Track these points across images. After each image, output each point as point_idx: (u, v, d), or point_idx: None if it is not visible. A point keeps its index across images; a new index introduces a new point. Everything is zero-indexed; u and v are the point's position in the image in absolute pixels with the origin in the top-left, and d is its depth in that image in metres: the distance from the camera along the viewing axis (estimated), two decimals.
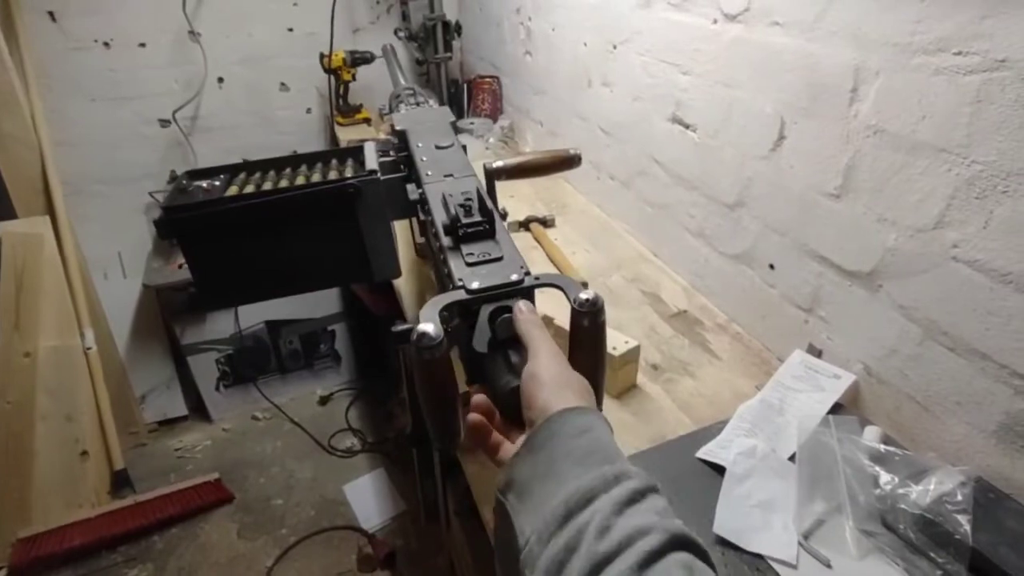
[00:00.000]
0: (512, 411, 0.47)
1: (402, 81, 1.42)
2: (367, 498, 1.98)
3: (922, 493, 0.65)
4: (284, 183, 0.90)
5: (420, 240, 1.16)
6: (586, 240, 1.38)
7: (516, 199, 1.56)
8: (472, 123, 1.96)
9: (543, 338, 0.47)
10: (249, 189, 0.88)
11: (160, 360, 2.27)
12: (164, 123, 2.10)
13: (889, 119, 0.73)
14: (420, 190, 0.74)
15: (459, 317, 0.52)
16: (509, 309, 0.51)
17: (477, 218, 0.59)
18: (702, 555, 0.33)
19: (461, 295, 0.51)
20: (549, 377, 0.44)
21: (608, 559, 0.32)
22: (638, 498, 0.35)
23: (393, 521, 1.90)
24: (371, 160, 0.91)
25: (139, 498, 1.87)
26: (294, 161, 0.95)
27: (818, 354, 0.90)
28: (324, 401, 2.42)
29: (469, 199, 0.63)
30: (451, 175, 0.75)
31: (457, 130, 1.94)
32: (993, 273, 0.65)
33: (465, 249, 0.57)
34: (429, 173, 0.76)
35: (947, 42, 0.65)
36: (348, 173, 0.92)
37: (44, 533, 1.71)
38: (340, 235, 0.85)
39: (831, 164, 0.82)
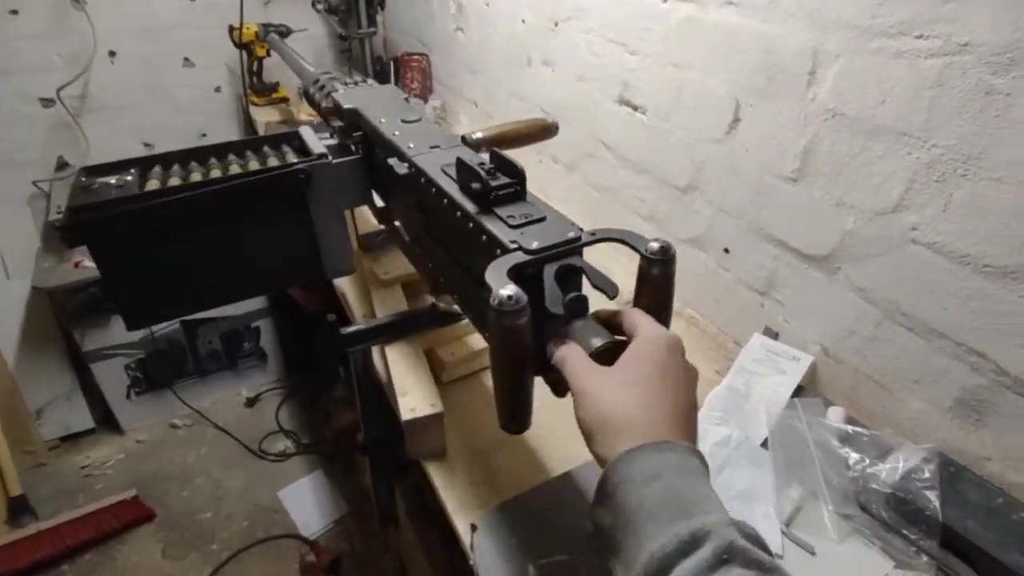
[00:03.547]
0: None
1: (310, 69, 1.29)
2: (306, 503, 1.88)
3: (891, 471, 0.67)
4: (216, 171, 0.79)
5: (375, 228, 1.07)
6: None
7: None
8: None
9: (643, 331, 0.43)
10: (174, 182, 0.77)
11: (58, 369, 2.03)
12: (47, 102, 1.85)
13: (848, 102, 0.73)
14: (405, 163, 0.67)
15: (516, 274, 0.46)
16: (574, 268, 0.46)
17: (506, 179, 0.54)
18: None
19: (521, 257, 0.46)
20: (613, 399, 0.40)
21: None
22: (719, 563, 0.31)
23: (336, 525, 1.81)
24: (314, 144, 0.82)
25: (42, 525, 1.68)
26: (219, 150, 0.84)
27: (775, 336, 0.91)
28: (251, 403, 2.26)
29: (482, 163, 0.57)
30: (437, 146, 0.68)
31: None
32: (952, 255, 0.66)
33: (503, 212, 0.51)
34: (411, 145, 0.68)
35: (908, 25, 0.65)
36: (290, 158, 0.83)
37: None
38: (289, 229, 0.76)
39: (788, 147, 0.82)
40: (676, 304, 1.08)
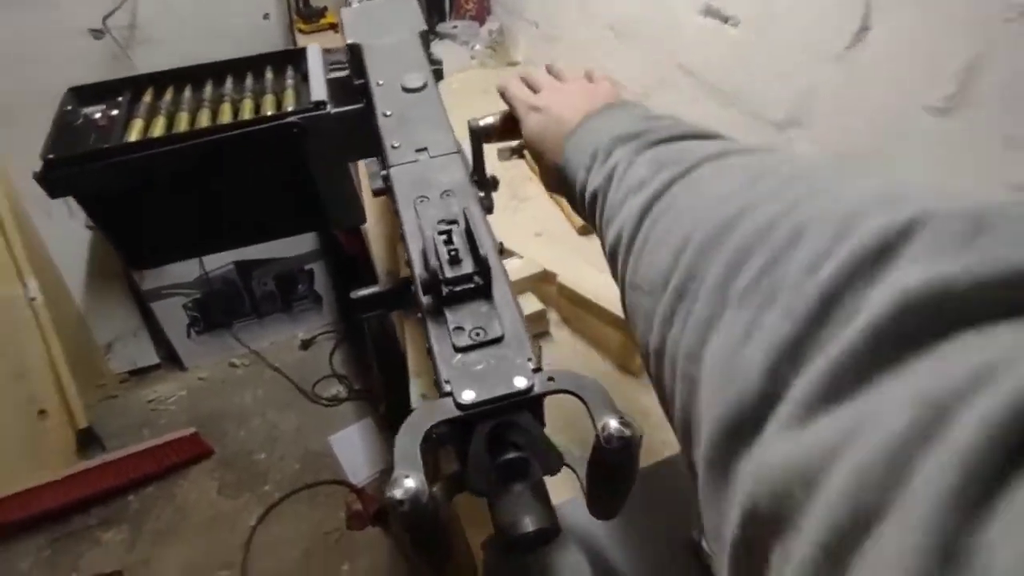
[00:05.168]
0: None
1: None
2: (354, 450, 1.86)
3: None
4: (205, 113, 0.67)
5: None
6: None
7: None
8: (455, 27, 1.67)
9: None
10: (159, 125, 0.66)
11: (124, 306, 2.07)
12: (97, 34, 1.80)
13: None
14: (384, 172, 0.52)
15: (446, 426, 0.34)
16: (515, 425, 0.33)
17: (468, 270, 0.39)
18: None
19: (449, 410, 0.33)
20: (565, 98, 0.48)
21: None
22: (671, 139, 0.36)
23: (383, 475, 1.78)
24: (317, 81, 0.68)
25: (108, 457, 1.74)
26: (215, 71, 0.73)
27: None
28: (306, 345, 2.25)
29: (454, 222, 0.42)
30: (425, 149, 0.52)
31: (437, 35, 1.65)
32: None
33: (451, 318, 0.38)
34: (395, 145, 0.52)
35: None
36: (288, 96, 0.70)
37: (6, 498, 1.58)
38: (285, 179, 0.64)
39: (940, 64, 0.60)
40: None
